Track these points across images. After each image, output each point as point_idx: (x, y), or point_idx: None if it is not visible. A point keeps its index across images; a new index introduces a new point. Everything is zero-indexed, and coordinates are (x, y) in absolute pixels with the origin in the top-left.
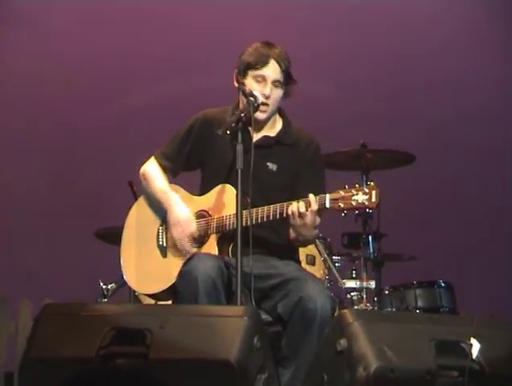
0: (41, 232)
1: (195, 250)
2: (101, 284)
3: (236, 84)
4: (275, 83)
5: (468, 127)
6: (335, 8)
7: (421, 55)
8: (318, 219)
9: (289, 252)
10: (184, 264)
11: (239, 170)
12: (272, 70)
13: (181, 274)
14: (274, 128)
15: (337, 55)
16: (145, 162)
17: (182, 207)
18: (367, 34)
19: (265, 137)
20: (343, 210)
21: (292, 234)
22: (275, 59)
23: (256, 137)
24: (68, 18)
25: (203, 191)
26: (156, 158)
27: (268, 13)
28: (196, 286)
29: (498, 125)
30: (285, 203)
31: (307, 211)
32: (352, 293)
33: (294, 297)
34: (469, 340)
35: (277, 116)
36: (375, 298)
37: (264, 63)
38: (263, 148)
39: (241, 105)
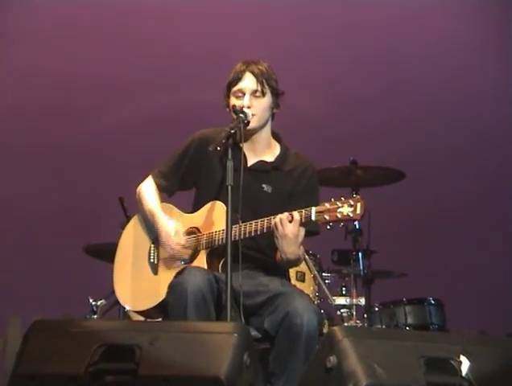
0: (30, 248)
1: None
2: (91, 300)
3: (226, 109)
4: (254, 93)
5: (458, 144)
6: (326, 25)
7: (411, 72)
8: (302, 233)
9: (278, 268)
10: (175, 277)
11: (229, 187)
12: (247, 82)
13: (171, 286)
14: (271, 153)
15: (328, 72)
16: (142, 181)
17: (168, 222)
18: (358, 51)
19: (262, 161)
20: (328, 222)
21: (277, 254)
22: (250, 72)
23: (253, 160)
24: (57, 31)
25: (195, 209)
26: (153, 176)
27: (259, 29)
28: (185, 298)
29: (490, 142)
30: (272, 217)
31: (289, 221)
32: (342, 310)
33: (280, 313)
34: (459, 357)
35: (274, 141)
36: (365, 315)
37: (239, 78)
38: (260, 172)
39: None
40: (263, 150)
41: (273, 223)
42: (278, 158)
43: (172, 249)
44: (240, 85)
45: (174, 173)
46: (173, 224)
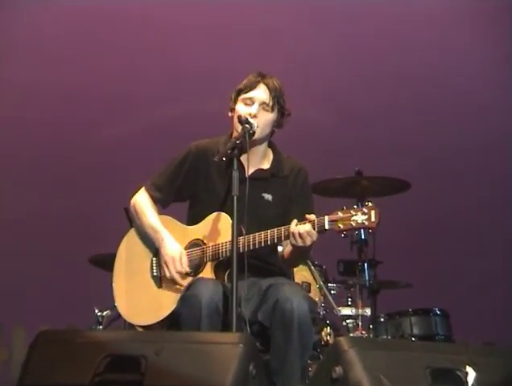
0: (36, 258)
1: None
2: (96, 311)
3: (230, 114)
4: (263, 105)
5: (463, 155)
6: (330, 37)
7: (416, 82)
8: (315, 238)
9: (282, 275)
10: (187, 289)
11: (235, 197)
12: (260, 92)
13: (184, 298)
14: (266, 161)
15: (333, 82)
16: (135, 193)
17: (173, 246)
18: (363, 61)
19: (259, 170)
20: (342, 231)
21: (286, 251)
22: (265, 84)
23: (251, 170)
24: (58, 45)
25: (193, 221)
26: (147, 189)
27: (261, 41)
28: (199, 310)
29: (494, 153)
30: (282, 227)
31: (307, 234)
32: (347, 321)
33: (271, 302)
34: (465, 368)
35: (268, 149)
36: (371, 326)
37: (253, 87)
38: (258, 180)
39: (235, 133)
40: (259, 160)
41: (286, 232)
42: (273, 164)
43: (173, 275)
44: (252, 94)
45: (169, 185)
46: (178, 250)
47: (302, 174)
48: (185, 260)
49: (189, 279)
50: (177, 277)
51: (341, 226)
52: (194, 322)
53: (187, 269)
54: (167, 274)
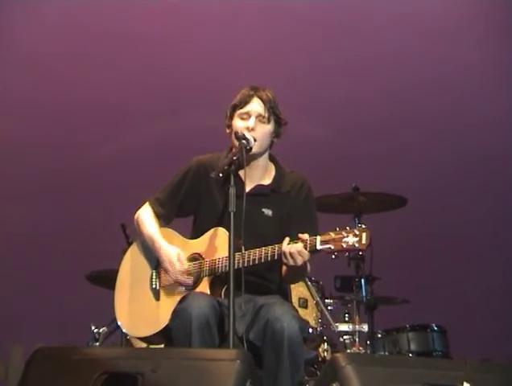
0: (33, 275)
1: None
2: (93, 327)
3: (227, 130)
4: (259, 118)
5: (460, 170)
6: (329, 52)
7: (412, 100)
8: (307, 257)
9: (280, 292)
10: (179, 303)
11: (231, 213)
12: (255, 106)
13: (175, 312)
14: (267, 176)
15: (331, 98)
16: (140, 207)
17: (170, 249)
18: (359, 78)
19: (259, 186)
20: (333, 252)
21: (283, 271)
22: (258, 97)
23: (250, 186)
24: (58, 59)
25: (196, 236)
26: (150, 203)
27: (260, 57)
28: (189, 323)
29: (493, 169)
30: (276, 246)
31: (299, 254)
32: (344, 337)
33: (262, 321)
34: (462, 384)
35: (269, 163)
36: (368, 342)
37: (247, 102)
38: (258, 196)
39: (233, 149)
40: (260, 176)
41: (279, 251)
42: (275, 180)
43: (176, 276)
44: (247, 108)
45: (171, 200)
46: (175, 251)
47: (304, 189)
48: (183, 258)
49: (184, 292)
50: (181, 278)
51: (332, 247)
52: (185, 335)
53: (186, 266)
54: (170, 280)
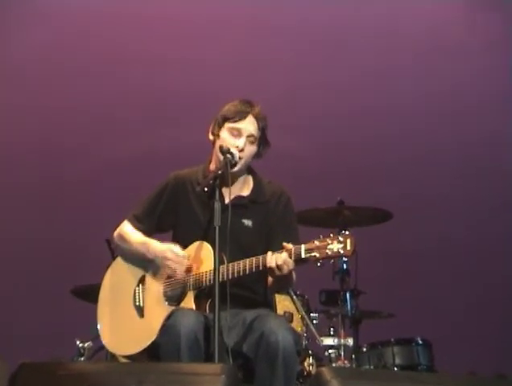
0: (17, 289)
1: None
2: (78, 342)
3: (211, 137)
4: (250, 138)
5: (445, 185)
6: (314, 67)
7: (398, 114)
8: (292, 267)
9: (266, 304)
10: (167, 319)
11: (217, 228)
12: (249, 124)
13: (164, 328)
14: (246, 187)
15: (316, 113)
16: (118, 226)
17: (163, 245)
18: (346, 92)
19: (238, 196)
20: (318, 260)
21: (269, 280)
22: (254, 116)
23: (229, 197)
24: (48, 68)
25: None
26: (129, 220)
27: (251, 70)
28: (178, 340)
29: (477, 183)
30: (260, 256)
31: (284, 263)
32: (330, 351)
33: (256, 334)
34: None
35: (247, 175)
36: (353, 356)
37: (242, 118)
38: (238, 207)
39: (214, 161)
40: (239, 187)
41: (263, 261)
42: (253, 190)
43: (181, 260)
44: (240, 125)
45: (149, 216)
46: (167, 244)
47: (283, 199)
48: (177, 249)
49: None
50: (187, 261)
51: (317, 255)
52: (173, 352)
53: (185, 254)
54: (168, 268)
